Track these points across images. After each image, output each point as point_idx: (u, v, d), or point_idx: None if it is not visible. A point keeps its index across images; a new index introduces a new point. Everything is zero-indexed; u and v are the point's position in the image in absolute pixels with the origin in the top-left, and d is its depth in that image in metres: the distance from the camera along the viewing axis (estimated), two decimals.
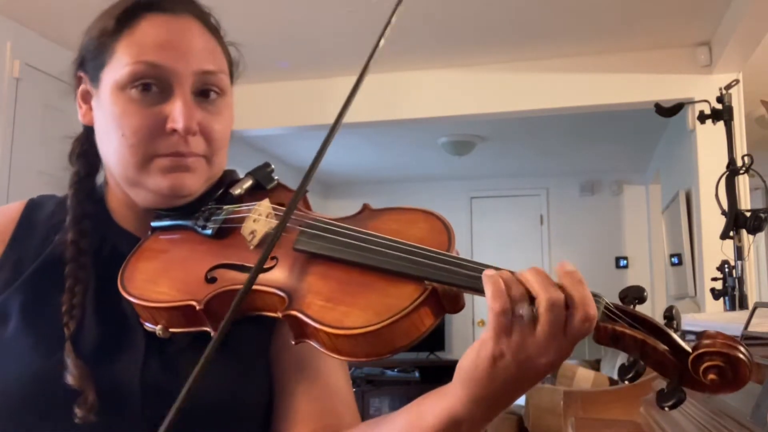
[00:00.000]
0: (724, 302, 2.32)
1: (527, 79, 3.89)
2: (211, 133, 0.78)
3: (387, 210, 0.75)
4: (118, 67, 0.75)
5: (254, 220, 0.73)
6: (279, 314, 0.65)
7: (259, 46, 3.55)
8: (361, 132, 5.18)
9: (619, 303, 0.61)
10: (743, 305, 2.23)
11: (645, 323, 0.59)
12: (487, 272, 0.60)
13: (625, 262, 6.51)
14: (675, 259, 4.60)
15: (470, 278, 0.62)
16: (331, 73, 4.06)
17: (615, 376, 3.73)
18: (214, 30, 0.81)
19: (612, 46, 3.68)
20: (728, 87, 2.39)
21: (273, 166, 0.85)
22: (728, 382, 0.55)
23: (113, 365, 0.72)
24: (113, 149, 0.76)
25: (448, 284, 0.63)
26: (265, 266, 0.69)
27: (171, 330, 0.70)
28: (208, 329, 0.69)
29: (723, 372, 0.55)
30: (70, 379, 0.68)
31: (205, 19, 0.81)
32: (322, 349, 0.64)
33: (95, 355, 0.72)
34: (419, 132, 5.22)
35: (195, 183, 0.78)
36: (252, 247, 0.72)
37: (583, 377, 3.42)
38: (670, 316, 0.59)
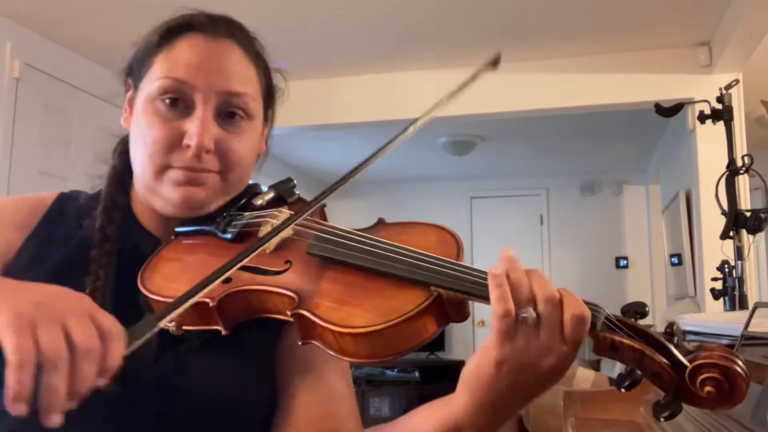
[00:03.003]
0: (724, 302, 2.32)
1: (527, 79, 3.88)
2: (228, 152, 0.80)
3: (400, 223, 0.78)
4: (152, 79, 0.79)
5: (272, 225, 0.76)
6: (288, 313, 0.67)
7: None
8: (361, 132, 5.18)
9: (620, 315, 0.62)
10: (743, 305, 2.23)
11: (645, 336, 0.60)
12: (493, 270, 0.60)
13: (625, 262, 6.52)
14: (675, 259, 4.60)
15: (476, 285, 0.63)
16: (331, 73, 4.06)
17: (615, 377, 3.73)
18: (254, 57, 0.85)
19: (612, 46, 3.68)
20: (728, 87, 2.38)
21: (295, 182, 0.88)
22: (725, 396, 0.56)
23: (126, 358, 0.73)
24: (138, 155, 0.81)
25: (453, 290, 0.64)
26: (279, 269, 0.72)
27: (184, 327, 0.71)
28: (219, 328, 0.70)
29: (720, 385, 0.55)
30: None
31: (245, 45, 0.84)
32: (327, 350, 0.65)
33: None
34: (419, 132, 5.20)
35: (207, 197, 0.80)
36: (269, 251, 0.74)
37: (583, 377, 3.42)
38: (671, 332, 0.60)
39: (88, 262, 0.78)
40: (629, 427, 1.61)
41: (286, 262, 0.73)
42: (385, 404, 5.85)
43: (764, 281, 5.47)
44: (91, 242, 0.80)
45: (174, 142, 0.78)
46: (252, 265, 0.73)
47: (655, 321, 5.73)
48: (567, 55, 3.80)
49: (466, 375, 0.61)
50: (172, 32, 0.81)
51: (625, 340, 0.59)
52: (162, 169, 0.79)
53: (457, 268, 0.65)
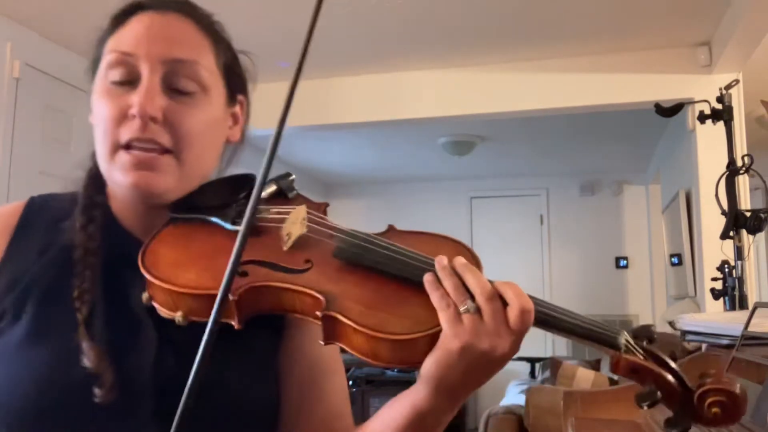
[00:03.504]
0: (724, 302, 2.32)
1: (527, 79, 3.88)
2: (179, 125, 0.76)
3: (414, 233, 0.78)
4: (103, 60, 0.77)
5: (292, 222, 0.74)
6: (318, 314, 0.66)
7: (260, 47, 3.53)
8: (361, 132, 5.18)
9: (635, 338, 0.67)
10: (743, 305, 2.23)
11: (657, 359, 0.65)
12: (427, 278, 0.66)
13: (625, 262, 6.51)
14: (675, 259, 4.60)
15: None
16: (331, 73, 4.06)
17: (615, 377, 3.73)
18: (209, 31, 0.81)
19: (612, 46, 3.68)
20: (728, 87, 2.39)
21: (294, 177, 0.86)
22: (728, 416, 0.62)
23: (124, 361, 0.71)
24: (96, 141, 0.78)
25: None
26: (300, 268, 0.71)
27: (191, 318, 0.69)
28: (233, 322, 0.68)
29: (725, 406, 0.62)
30: (86, 361, 0.68)
31: (198, 18, 0.80)
32: (353, 352, 0.66)
33: (107, 345, 0.71)
34: (419, 132, 5.23)
35: (164, 182, 0.76)
36: (286, 248, 0.73)
37: (583, 377, 3.42)
38: (674, 358, 0.66)
39: (73, 264, 0.75)
40: (629, 427, 1.61)
41: (307, 261, 0.72)
42: (385, 404, 5.84)
43: (764, 281, 5.47)
44: (72, 244, 0.77)
45: (121, 116, 0.74)
46: (269, 260, 0.71)
47: (655, 321, 5.73)
48: (567, 55, 3.80)
49: (425, 369, 0.65)
50: (124, 15, 0.79)
51: (644, 363, 0.64)
52: (112, 150, 0.75)
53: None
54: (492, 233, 6.80)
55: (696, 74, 3.60)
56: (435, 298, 0.64)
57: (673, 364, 0.64)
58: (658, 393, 0.63)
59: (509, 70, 3.91)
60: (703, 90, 3.44)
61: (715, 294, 2.32)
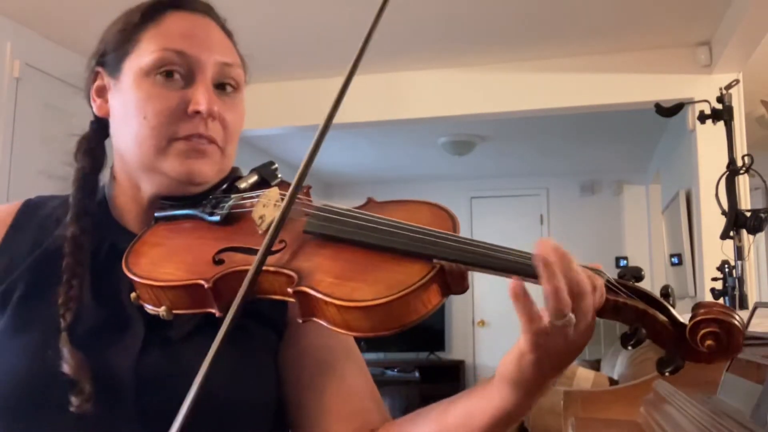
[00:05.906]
0: (724, 302, 2.32)
1: (527, 79, 3.88)
2: (227, 122, 0.81)
3: (392, 202, 0.79)
4: (144, 54, 0.79)
5: (264, 205, 0.75)
6: (289, 291, 0.66)
7: (260, 47, 3.54)
8: (361, 132, 5.17)
9: (620, 279, 0.63)
10: (743, 305, 2.23)
11: (644, 296, 0.61)
12: (553, 283, 0.55)
13: (625, 262, 6.50)
14: (675, 259, 4.60)
15: (477, 255, 0.64)
16: (331, 73, 4.06)
17: (615, 376, 3.73)
18: (229, 34, 0.87)
19: (612, 46, 3.68)
20: (728, 87, 2.39)
21: (277, 165, 0.87)
22: (723, 349, 0.58)
23: (108, 355, 0.73)
24: (133, 134, 0.79)
25: (456, 262, 0.64)
26: (273, 249, 0.70)
27: (175, 311, 0.71)
28: (213, 311, 0.69)
29: (719, 338, 0.57)
30: (66, 368, 0.69)
31: (219, 21, 0.86)
32: (330, 326, 0.65)
33: (90, 345, 0.72)
34: (419, 132, 5.22)
35: (210, 170, 0.80)
36: (260, 232, 0.74)
37: (583, 377, 3.41)
38: (666, 294, 0.62)
39: (61, 272, 0.76)
40: (629, 427, 1.61)
41: (281, 241, 0.72)
42: (385, 404, 5.85)
43: (764, 281, 5.46)
44: (61, 251, 0.78)
45: (179, 112, 0.78)
46: (244, 246, 0.73)
47: None
48: (567, 55, 3.80)
49: (507, 376, 0.61)
50: (155, 10, 0.82)
51: (627, 301, 0.60)
52: (166, 142, 0.78)
53: (457, 239, 0.66)
54: (492, 233, 6.79)
55: (696, 74, 3.61)
56: (519, 308, 0.56)
57: (660, 299, 0.61)
58: (642, 331, 0.59)
59: (509, 70, 3.91)
60: (703, 90, 3.43)
61: (716, 294, 2.32)
